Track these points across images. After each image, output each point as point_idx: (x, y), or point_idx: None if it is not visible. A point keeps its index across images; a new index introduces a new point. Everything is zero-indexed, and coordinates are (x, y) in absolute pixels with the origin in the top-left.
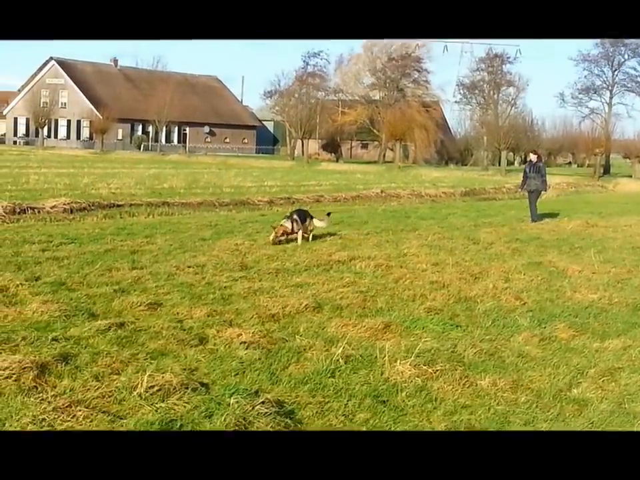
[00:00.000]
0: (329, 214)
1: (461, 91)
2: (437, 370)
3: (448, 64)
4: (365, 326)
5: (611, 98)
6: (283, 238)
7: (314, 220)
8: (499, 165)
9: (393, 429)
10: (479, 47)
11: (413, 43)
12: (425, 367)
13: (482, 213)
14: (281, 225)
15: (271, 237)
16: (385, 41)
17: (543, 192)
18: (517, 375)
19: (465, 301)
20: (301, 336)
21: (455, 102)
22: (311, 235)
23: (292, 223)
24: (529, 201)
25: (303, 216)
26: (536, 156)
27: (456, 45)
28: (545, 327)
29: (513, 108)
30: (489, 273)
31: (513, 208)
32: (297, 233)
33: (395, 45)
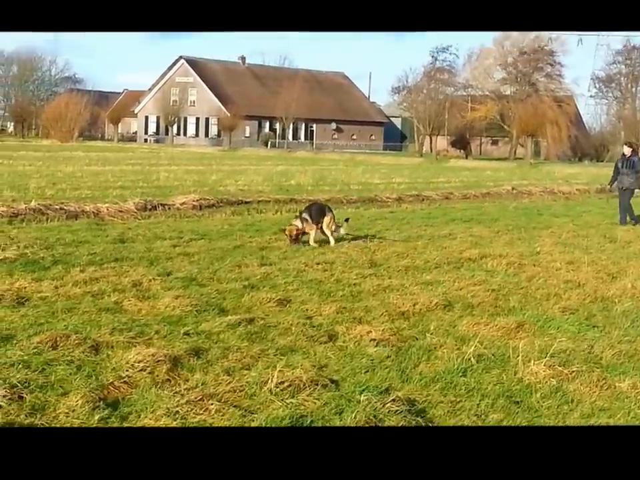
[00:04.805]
0: (347, 219)
1: (597, 85)
2: (573, 371)
3: (582, 57)
4: (497, 325)
5: None
6: (298, 238)
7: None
8: None
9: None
10: (615, 39)
11: (545, 36)
12: (560, 368)
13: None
14: (291, 224)
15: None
16: (516, 34)
17: (637, 190)
18: None
19: (601, 301)
20: (431, 334)
21: (590, 96)
22: (332, 236)
23: (302, 221)
24: (619, 201)
25: (317, 212)
26: (630, 149)
27: (591, 38)
28: None
29: None
30: (627, 272)
31: None
32: (308, 232)
33: (527, 39)
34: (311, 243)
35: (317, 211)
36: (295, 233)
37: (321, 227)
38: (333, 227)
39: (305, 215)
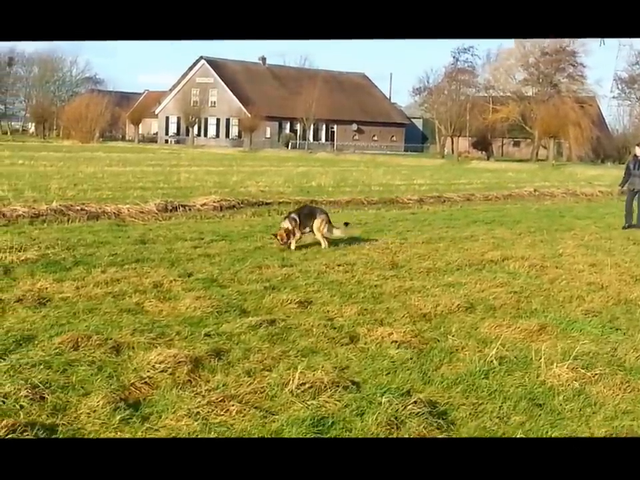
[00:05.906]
0: (346, 224)
1: (619, 86)
2: (596, 374)
3: (605, 58)
4: (519, 327)
5: None
6: (289, 240)
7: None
8: None
9: (549, 433)
10: (638, 40)
11: None
12: (582, 371)
13: None
14: (280, 226)
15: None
16: None
17: None
18: None
19: (625, 304)
20: (453, 336)
21: (613, 97)
22: (323, 239)
23: (290, 222)
24: (626, 202)
25: (307, 216)
26: None
27: (613, 38)
28: None
29: None
30: None
31: None
32: (301, 233)
33: (548, 39)
34: (292, 247)
35: (307, 215)
36: (285, 235)
37: (310, 231)
38: (325, 230)
39: (293, 216)
